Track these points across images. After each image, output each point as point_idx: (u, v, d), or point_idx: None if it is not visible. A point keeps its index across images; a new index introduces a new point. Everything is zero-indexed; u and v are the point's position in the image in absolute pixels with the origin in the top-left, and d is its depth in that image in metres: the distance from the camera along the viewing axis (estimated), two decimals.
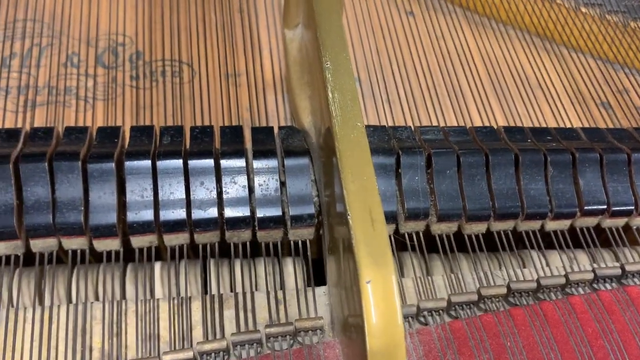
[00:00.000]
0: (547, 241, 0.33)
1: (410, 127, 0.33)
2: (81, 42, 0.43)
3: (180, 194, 0.29)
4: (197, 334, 0.29)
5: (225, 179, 0.29)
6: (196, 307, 0.30)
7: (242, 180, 0.30)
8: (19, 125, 0.38)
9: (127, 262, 0.31)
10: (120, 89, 0.41)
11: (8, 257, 0.29)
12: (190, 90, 0.41)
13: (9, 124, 0.38)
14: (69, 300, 0.31)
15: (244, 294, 0.30)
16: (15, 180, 0.28)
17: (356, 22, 0.46)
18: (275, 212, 0.30)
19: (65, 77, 0.41)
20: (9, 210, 0.28)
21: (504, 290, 0.29)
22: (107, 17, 0.45)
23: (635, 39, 0.46)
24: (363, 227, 0.23)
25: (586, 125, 0.42)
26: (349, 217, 0.24)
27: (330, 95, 0.26)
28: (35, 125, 0.38)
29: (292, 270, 0.32)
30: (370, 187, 0.25)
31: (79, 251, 0.29)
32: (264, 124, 0.39)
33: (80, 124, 0.39)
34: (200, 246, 0.30)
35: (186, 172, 0.29)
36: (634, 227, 0.33)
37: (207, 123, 0.39)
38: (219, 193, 0.29)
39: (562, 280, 0.30)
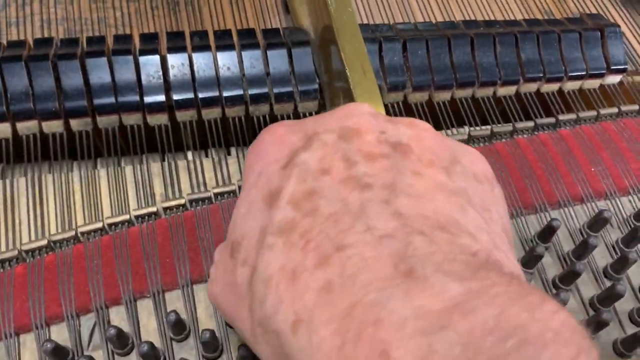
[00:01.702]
0: (500, 108, 0.42)
1: (388, 24, 0.42)
2: None
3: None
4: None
5: (246, 64, 0.38)
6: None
7: (260, 65, 0.38)
8: None
9: None
10: (144, 17, 0.49)
11: None
12: (204, 13, 0.49)
13: None
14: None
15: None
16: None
17: None
18: (288, 89, 0.38)
19: (96, 10, 0.49)
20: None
21: (465, 137, 0.39)
22: None
23: None
24: (358, 76, 0.32)
25: None
26: (347, 70, 0.32)
27: None
28: None
29: None
30: (361, 49, 0.33)
31: None
32: None
33: None
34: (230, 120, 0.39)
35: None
36: (566, 92, 0.43)
37: None
38: (243, 75, 0.38)
39: (510, 128, 0.39)
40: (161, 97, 0.37)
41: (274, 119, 0.39)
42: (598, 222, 0.34)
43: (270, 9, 0.50)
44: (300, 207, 0.20)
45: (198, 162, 0.37)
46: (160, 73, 0.37)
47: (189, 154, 0.38)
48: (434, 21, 0.47)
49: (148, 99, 0.37)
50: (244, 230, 0.21)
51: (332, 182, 0.20)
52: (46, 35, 0.47)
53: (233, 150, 0.40)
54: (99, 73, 0.36)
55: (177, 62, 0.37)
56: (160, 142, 0.37)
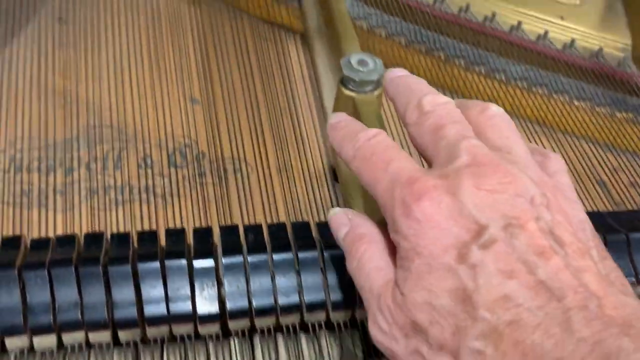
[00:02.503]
0: None
1: None
2: (152, 145, 0.50)
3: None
4: None
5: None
6: None
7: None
8: (108, 221, 0.45)
9: None
10: (189, 185, 0.48)
11: None
12: (248, 184, 0.48)
13: (102, 221, 0.45)
14: None
15: None
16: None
17: None
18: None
19: (141, 178, 0.48)
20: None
21: None
22: (172, 123, 0.52)
23: (620, 126, 0.54)
24: None
25: (584, 200, 0.50)
26: None
27: None
28: (119, 221, 0.45)
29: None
30: None
31: None
32: (320, 212, 0.46)
33: (160, 220, 0.45)
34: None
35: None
36: None
37: (268, 214, 0.46)
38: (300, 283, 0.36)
39: None
40: (215, 308, 0.35)
41: None
42: None
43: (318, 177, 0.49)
44: (499, 314, 0.21)
45: None
46: (215, 282, 0.35)
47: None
48: None
49: (201, 309, 0.35)
50: (431, 317, 0.23)
51: (520, 287, 0.22)
52: (91, 205, 0.46)
53: None
54: (151, 281, 0.35)
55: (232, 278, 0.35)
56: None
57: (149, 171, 0.48)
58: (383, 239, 0.28)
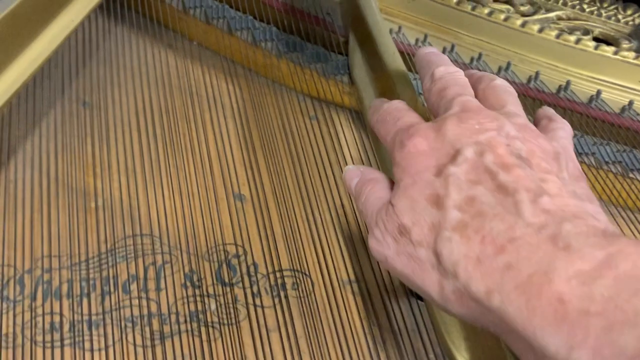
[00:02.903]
0: None
1: None
2: (197, 256, 0.44)
3: None
4: None
5: None
6: None
7: None
8: None
9: None
10: (244, 309, 0.41)
11: None
12: (313, 303, 0.41)
13: None
14: None
15: None
16: None
17: None
18: None
19: (187, 300, 0.41)
20: None
21: None
22: (217, 227, 0.45)
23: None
24: None
25: None
26: None
27: None
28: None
29: None
30: None
31: None
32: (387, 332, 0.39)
33: (213, 355, 0.38)
34: None
35: None
36: None
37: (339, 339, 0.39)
38: None
39: None
40: None
41: None
42: None
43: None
44: (466, 210, 0.26)
45: None
46: None
47: None
48: None
49: None
50: (413, 218, 0.28)
51: (485, 190, 0.27)
52: (133, 339, 0.39)
53: None
54: None
55: None
56: None
57: (196, 291, 0.42)
58: (387, 182, 0.33)
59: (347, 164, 0.50)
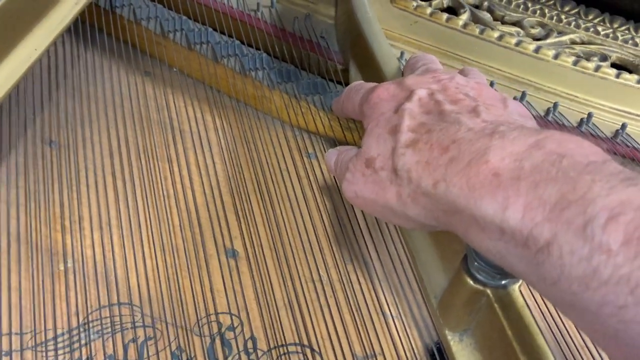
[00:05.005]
0: None
1: None
2: (185, 330, 0.37)
3: None
4: None
5: None
6: None
7: None
8: None
9: None
10: None
11: None
12: None
13: None
14: None
15: None
16: None
17: None
18: None
19: None
20: None
21: None
22: (207, 291, 0.39)
23: None
24: None
25: None
26: None
27: None
28: None
29: None
30: None
31: None
32: None
33: None
34: None
35: None
36: None
37: None
38: None
39: None
40: None
41: None
42: None
43: None
44: (417, 131, 0.31)
45: None
46: None
47: None
48: None
49: None
50: (377, 150, 0.32)
51: (433, 116, 0.31)
52: None
53: None
54: None
55: None
56: None
57: None
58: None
59: (353, 209, 0.45)
